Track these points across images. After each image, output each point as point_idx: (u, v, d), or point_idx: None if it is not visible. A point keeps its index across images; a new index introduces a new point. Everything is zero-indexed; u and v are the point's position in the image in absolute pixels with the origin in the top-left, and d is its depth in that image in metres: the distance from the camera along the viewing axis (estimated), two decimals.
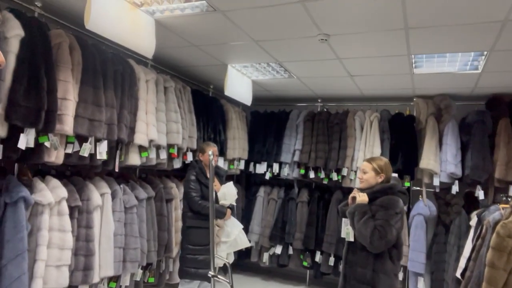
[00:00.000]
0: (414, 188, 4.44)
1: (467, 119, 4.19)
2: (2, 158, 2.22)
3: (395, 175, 4.18)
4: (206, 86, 4.70)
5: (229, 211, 3.29)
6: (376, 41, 2.95)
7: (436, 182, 4.14)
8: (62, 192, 2.54)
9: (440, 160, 4.14)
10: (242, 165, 4.99)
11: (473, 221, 3.60)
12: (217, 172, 3.49)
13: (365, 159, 2.64)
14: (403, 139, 4.36)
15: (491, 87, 3.93)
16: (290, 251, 4.75)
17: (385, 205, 2.32)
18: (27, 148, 2.27)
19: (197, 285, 3.27)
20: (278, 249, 4.78)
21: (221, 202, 3.24)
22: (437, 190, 4.25)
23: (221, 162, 4.40)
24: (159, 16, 2.77)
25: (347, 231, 2.45)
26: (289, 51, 3.33)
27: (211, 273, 2.06)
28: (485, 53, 3.05)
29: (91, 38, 2.90)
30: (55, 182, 2.58)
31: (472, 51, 3.06)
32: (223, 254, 3.19)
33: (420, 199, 4.29)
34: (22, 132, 2.21)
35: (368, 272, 2.29)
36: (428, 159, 4.12)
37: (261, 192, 5.12)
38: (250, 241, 4.86)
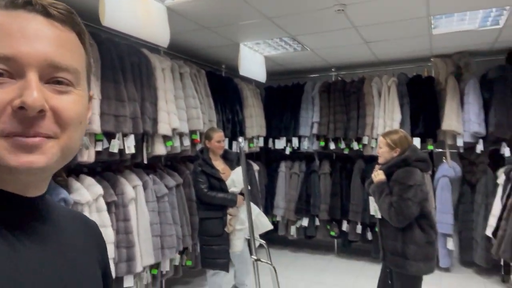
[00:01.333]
0: (438, 150, 4.41)
1: (488, 75, 4.09)
2: None
3: (417, 140, 4.16)
4: (218, 66, 4.65)
5: (240, 197, 3.07)
6: (394, 6, 2.85)
7: (459, 142, 4.11)
8: (98, 189, 2.60)
9: (462, 120, 4.09)
10: (261, 142, 5.00)
11: (501, 179, 3.60)
12: (226, 157, 3.32)
13: (381, 134, 2.63)
14: (423, 101, 4.29)
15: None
16: (317, 223, 4.83)
17: (399, 180, 2.34)
18: None
19: (223, 277, 3.22)
20: (305, 222, 4.86)
21: (231, 189, 3.08)
22: (461, 151, 4.22)
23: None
24: (170, 2, 2.71)
25: (374, 208, 2.52)
26: (304, 25, 3.25)
27: (253, 257, 2.12)
28: (507, 7, 2.93)
29: (103, 31, 2.86)
30: (89, 180, 2.63)
31: (494, 7, 2.94)
32: (239, 242, 3.07)
33: (444, 161, 4.28)
34: None
35: (399, 244, 2.34)
36: (450, 120, 4.06)
37: (282, 167, 5.15)
38: (276, 218, 4.97)
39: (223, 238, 3.02)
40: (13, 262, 0.45)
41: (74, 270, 0.54)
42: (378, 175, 2.45)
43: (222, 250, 3.01)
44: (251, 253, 2.16)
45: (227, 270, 3.05)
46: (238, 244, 3.05)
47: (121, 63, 2.79)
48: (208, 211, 3.06)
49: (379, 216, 2.48)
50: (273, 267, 2.14)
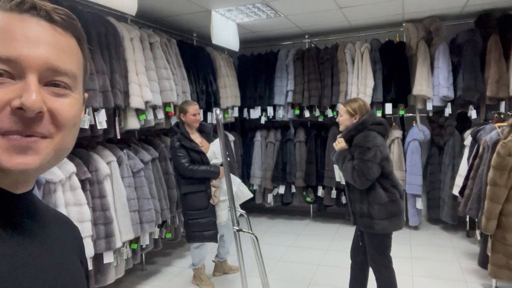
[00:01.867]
0: (408, 115, 4.53)
1: (457, 39, 4.17)
2: None
3: (389, 106, 4.25)
4: (189, 35, 4.48)
5: (222, 169, 3.04)
6: None
7: (429, 106, 4.23)
8: (71, 167, 2.51)
9: (432, 84, 4.19)
10: (236, 113, 4.95)
11: (468, 141, 3.76)
12: (202, 129, 3.27)
13: (341, 102, 2.70)
14: (395, 67, 4.35)
15: (482, 4, 3.86)
16: (293, 190, 4.93)
17: (358, 143, 2.41)
18: None
19: (207, 248, 3.25)
20: (281, 189, 4.95)
21: (212, 161, 3.06)
22: (430, 114, 4.36)
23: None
24: None
25: (339, 175, 2.64)
26: None
27: (235, 228, 2.14)
28: None
29: (65, 0, 2.66)
30: None
31: None
32: (224, 213, 3.10)
33: (414, 125, 4.41)
34: None
35: (365, 206, 2.44)
36: (420, 85, 4.16)
37: (258, 136, 5.16)
38: (253, 187, 5.03)
39: (209, 210, 3.02)
40: (2, 257, 0.47)
41: (60, 263, 0.56)
42: (339, 144, 2.54)
43: (209, 222, 3.03)
44: (233, 224, 2.18)
45: (216, 241, 3.09)
46: (223, 215, 3.08)
47: (86, 34, 2.60)
48: (191, 185, 3.01)
49: (343, 182, 2.61)
50: (255, 236, 2.18)
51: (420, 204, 4.36)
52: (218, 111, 2.12)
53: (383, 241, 2.46)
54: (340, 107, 2.60)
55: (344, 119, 2.53)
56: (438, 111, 4.33)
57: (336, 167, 2.65)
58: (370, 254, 2.50)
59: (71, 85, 0.53)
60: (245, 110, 5.10)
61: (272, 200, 5.07)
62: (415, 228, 4.48)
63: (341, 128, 2.58)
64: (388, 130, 2.60)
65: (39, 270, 0.51)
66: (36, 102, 0.47)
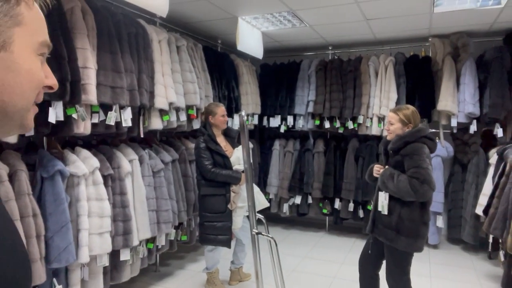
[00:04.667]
0: (431, 130, 4.45)
1: (485, 56, 4.10)
2: (34, 133, 2.20)
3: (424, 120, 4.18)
4: (214, 41, 4.55)
5: (243, 175, 2.99)
6: None
7: (453, 123, 4.15)
8: (94, 162, 2.55)
9: (458, 100, 4.12)
10: (255, 120, 4.97)
11: (493, 159, 3.66)
12: (227, 134, 3.28)
13: (390, 110, 2.56)
14: (419, 81, 4.30)
15: (510, 21, 3.80)
16: (310, 200, 4.88)
17: (414, 152, 2.27)
18: (56, 122, 2.24)
19: (221, 252, 3.23)
20: (298, 199, 4.91)
21: (235, 167, 3.04)
22: (455, 131, 4.27)
23: (236, 119, 4.37)
24: None
25: (382, 204, 2.40)
26: None
27: (254, 230, 2.12)
28: None
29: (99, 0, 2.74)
30: (85, 153, 2.57)
31: None
32: (239, 219, 3.07)
33: (437, 141, 4.32)
34: (50, 106, 2.16)
35: (394, 218, 2.31)
36: (446, 101, 4.09)
37: (276, 145, 5.15)
38: (268, 195, 5.00)
39: (226, 215, 3.00)
40: None
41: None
42: (378, 168, 2.42)
43: (224, 226, 2.99)
44: (252, 227, 2.16)
45: (229, 247, 3.05)
46: (238, 221, 3.04)
47: (117, 33, 2.69)
48: (211, 188, 3.00)
49: (385, 212, 2.38)
50: (274, 240, 2.15)
51: (440, 222, 4.24)
52: (243, 113, 2.13)
53: (406, 258, 2.37)
54: (391, 115, 2.42)
55: (396, 128, 2.37)
56: (463, 128, 4.24)
57: (381, 195, 2.41)
58: (389, 269, 2.42)
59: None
60: (265, 118, 5.11)
61: (287, 210, 5.02)
62: (435, 246, 4.36)
63: (389, 137, 2.42)
64: (436, 148, 2.43)
65: None
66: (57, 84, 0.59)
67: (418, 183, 2.18)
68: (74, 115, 2.32)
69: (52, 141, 2.56)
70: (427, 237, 4.16)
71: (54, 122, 2.19)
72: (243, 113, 2.13)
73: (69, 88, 2.21)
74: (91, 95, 2.40)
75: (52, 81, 0.57)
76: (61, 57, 2.18)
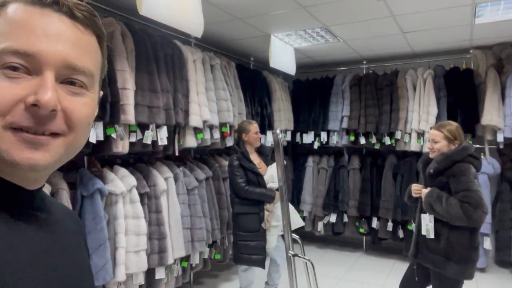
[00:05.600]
0: (476, 146, 4.21)
1: None
2: None
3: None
4: (246, 59, 4.59)
5: (277, 193, 2.92)
6: None
7: (500, 138, 3.91)
8: (132, 180, 2.59)
9: (503, 114, 3.89)
10: (288, 137, 4.92)
11: None
12: (261, 151, 3.25)
13: (433, 127, 2.42)
14: (461, 95, 4.10)
15: None
16: (345, 219, 4.72)
17: (456, 174, 2.13)
18: (96, 141, 2.30)
19: (255, 272, 3.15)
20: (333, 218, 4.76)
21: (269, 185, 2.99)
22: (501, 147, 4.02)
23: (269, 136, 4.34)
24: None
25: (427, 228, 2.26)
26: (339, 14, 3.14)
27: (291, 252, 2.05)
28: None
29: (137, 23, 2.84)
30: (123, 172, 2.62)
31: None
32: (274, 238, 3.00)
33: (483, 157, 4.08)
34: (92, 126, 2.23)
35: (442, 243, 2.16)
36: (490, 115, 3.87)
37: (310, 162, 5.06)
38: (302, 213, 4.89)
39: (260, 234, 2.94)
40: (14, 248, 0.47)
41: (69, 254, 0.58)
42: (419, 188, 2.30)
43: (258, 246, 2.93)
44: (287, 249, 2.09)
45: (263, 267, 2.98)
46: (272, 241, 2.98)
47: (155, 54, 2.76)
48: (244, 206, 2.97)
49: (431, 236, 2.24)
50: (311, 263, 2.07)
51: (488, 244, 3.96)
52: (278, 131, 2.09)
53: (456, 286, 2.20)
54: (434, 133, 2.28)
55: (442, 146, 2.23)
56: (510, 143, 3.98)
57: (424, 217, 2.27)
58: None
59: (88, 84, 0.52)
60: (298, 134, 5.05)
61: (322, 229, 4.88)
62: (482, 270, 4.06)
63: (432, 155, 2.29)
64: (481, 167, 2.27)
65: (54, 256, 0.53)
66: (51, 100, 0.46)
67: (471, 208, 2.02)
68: (113, 135, 2.38)
69: (92, 160, 2.63)
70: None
71: (94, 142, 2.25)
72: (278, 131, 2.10)
73: (109, 109, 2.27)
74: (130, 115, 2.45)
75: (31, 98, 0.45)
76: (102, 80, 2.24)
